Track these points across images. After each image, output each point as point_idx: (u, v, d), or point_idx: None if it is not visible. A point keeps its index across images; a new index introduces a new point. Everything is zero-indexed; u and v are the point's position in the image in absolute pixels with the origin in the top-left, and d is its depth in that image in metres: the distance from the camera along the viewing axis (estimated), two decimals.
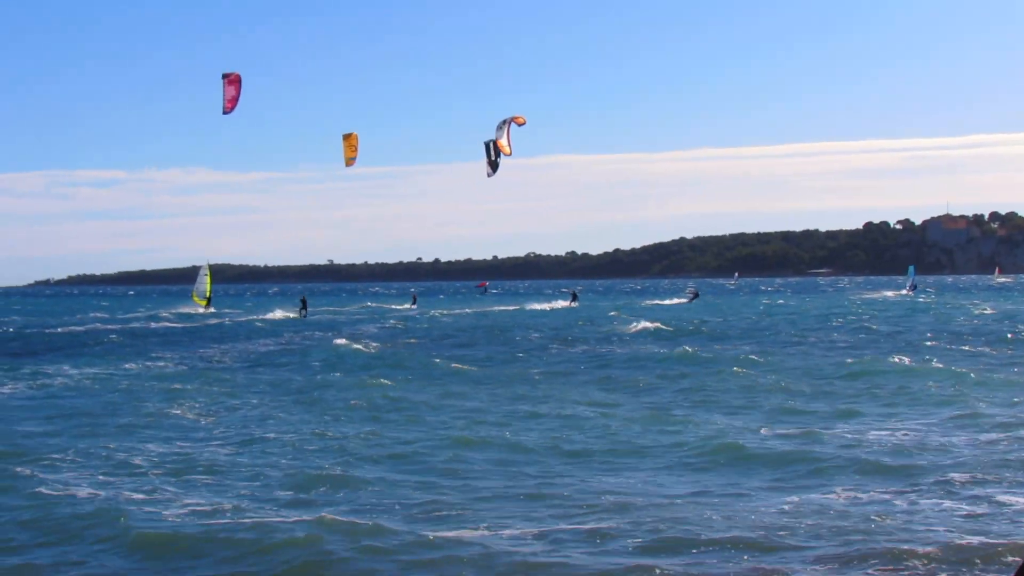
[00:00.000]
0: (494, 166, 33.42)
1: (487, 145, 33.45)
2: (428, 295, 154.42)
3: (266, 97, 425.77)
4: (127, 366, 39.71)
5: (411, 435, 22.36)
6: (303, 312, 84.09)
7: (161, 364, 40.94)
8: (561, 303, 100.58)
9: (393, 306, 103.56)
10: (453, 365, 38.53)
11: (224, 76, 32.65)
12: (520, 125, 33.53)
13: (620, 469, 18.75)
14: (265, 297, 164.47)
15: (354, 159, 36.17)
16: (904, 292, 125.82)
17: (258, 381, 34.22)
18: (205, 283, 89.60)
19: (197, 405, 27.86)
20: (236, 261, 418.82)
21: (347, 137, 36.17)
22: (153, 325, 73.15)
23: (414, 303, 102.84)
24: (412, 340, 53.99)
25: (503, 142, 33.32)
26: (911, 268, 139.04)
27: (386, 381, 32.74)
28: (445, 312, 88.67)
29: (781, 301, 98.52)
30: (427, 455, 20.06)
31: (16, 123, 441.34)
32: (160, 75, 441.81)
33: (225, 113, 32.69)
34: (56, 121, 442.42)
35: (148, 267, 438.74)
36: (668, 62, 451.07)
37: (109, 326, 72.57)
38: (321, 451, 20.68)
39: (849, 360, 37.17)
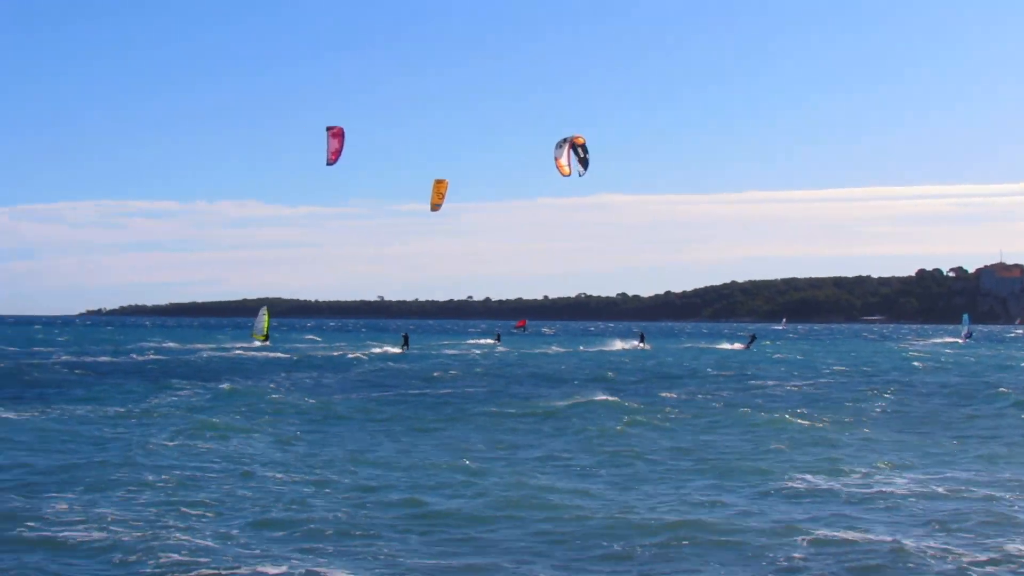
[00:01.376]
0: (584, 163, 33.33)
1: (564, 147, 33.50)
2: (479, 334, 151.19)
3: (320, 130, 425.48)
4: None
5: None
6: (405, 348, 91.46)
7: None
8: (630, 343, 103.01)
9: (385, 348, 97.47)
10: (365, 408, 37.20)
11: (328, 129, 34.54)
12: (580, 145, 33.35)
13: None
14: (294, 331, 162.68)
15: (439, 206, 37.79)
16: (960, 340, 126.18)
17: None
18: (264, 321, 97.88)
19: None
20: (287, 295, 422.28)
21: (438, 183, 37.82)
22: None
23: (406, 344, 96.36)
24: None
25: (562, 162, 33.37)
26: (966, 316, 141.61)
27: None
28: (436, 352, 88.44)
29: (779, 355, 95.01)
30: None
31: (70, 151, 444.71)
32: (214, 106, 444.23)
33: (328, 164, 34.78)
34: (110, 150, 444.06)
35: (198, 299, 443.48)
36: (722, 103, 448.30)
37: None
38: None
39: (746, 410, 35.45)
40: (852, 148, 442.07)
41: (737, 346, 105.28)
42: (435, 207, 37.73)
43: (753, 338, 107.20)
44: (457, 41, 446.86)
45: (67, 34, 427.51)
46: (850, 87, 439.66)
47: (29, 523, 17.39)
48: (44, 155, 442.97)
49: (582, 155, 33.28)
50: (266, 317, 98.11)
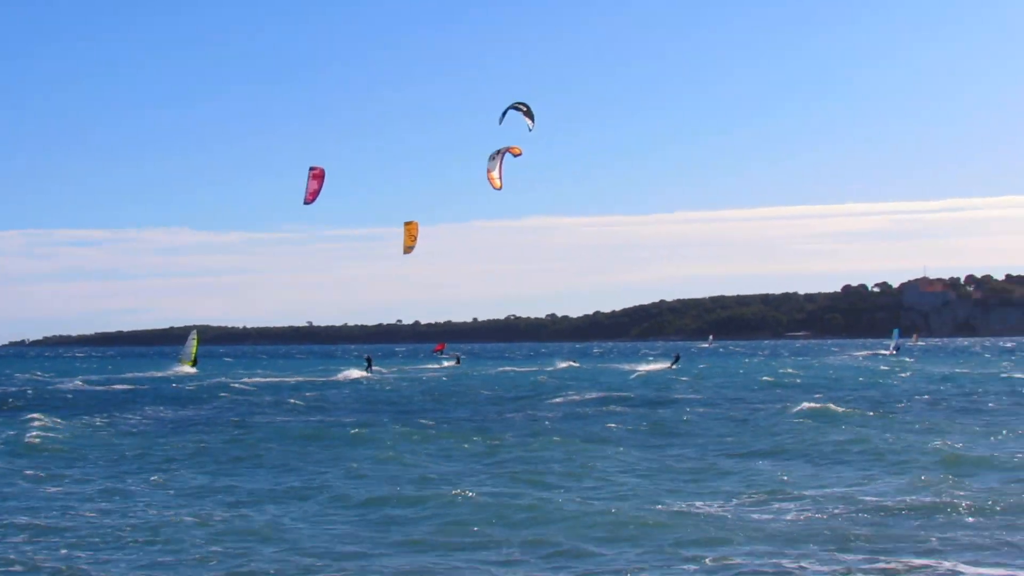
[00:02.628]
0: (530, 116, 31.76)
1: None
2: (385, 359, 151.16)
3: (251, 156, 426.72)
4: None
5: None
6: (370, 371, 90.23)
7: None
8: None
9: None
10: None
11: (310, 169, 34.45)
12: (516, 156, 32.45)
13: None
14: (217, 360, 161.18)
15: (412, 248, 37.98)
16: (888, 353, 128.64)
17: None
18: (192, 347, 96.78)
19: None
20: (216, 323, 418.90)
21: (408, 225, 37.96)
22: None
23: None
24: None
25: (494, 175, 32.66)
26: (896, 331, 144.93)
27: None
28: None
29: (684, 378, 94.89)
30: None
31: None
32: (143, 134, 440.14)
33: (305, 203, 34.54)
34: (37, 180, 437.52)
35: (126, 328, 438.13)
36: (650, 125, 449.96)
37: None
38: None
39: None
40: (780, 168, 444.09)
41: (658, 366, 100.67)
42: (408, 249, 37.87)
43: (677, 357, 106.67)
44: (391, 65, 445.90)
45: None
46: (776, 108, 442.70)
47: None
48: None
49: (525, 109, 31.61)
50: (195, 343, 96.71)
